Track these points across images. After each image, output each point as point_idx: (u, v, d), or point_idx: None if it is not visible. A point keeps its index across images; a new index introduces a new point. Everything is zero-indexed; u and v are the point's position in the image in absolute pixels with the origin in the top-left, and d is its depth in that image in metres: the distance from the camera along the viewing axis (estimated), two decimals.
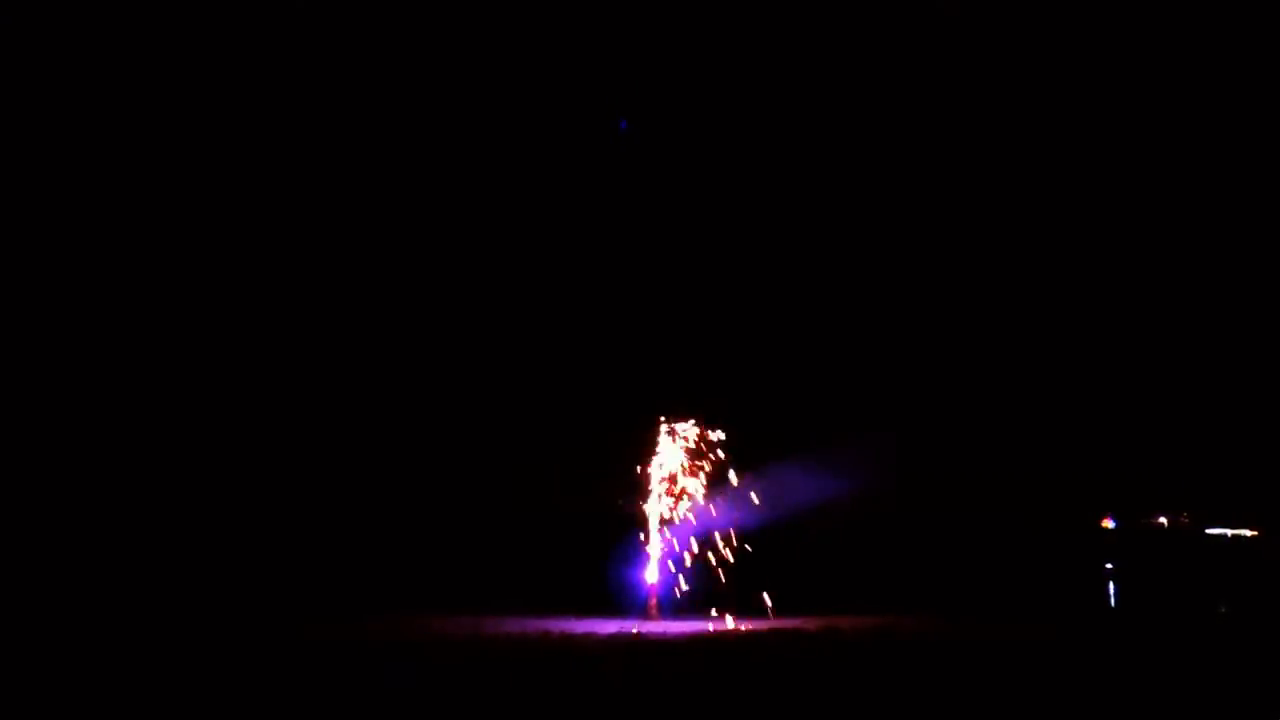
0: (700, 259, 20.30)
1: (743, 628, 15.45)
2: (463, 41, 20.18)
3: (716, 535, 17.30)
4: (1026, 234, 20.70)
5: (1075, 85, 20.16)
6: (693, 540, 17.28)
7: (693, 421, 17.55)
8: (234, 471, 19.33)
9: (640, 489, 17.39)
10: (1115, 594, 18.08)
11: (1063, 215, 20.67)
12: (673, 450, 17.50)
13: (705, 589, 17.10)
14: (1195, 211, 20.28)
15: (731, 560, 17.15)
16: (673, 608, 17.10)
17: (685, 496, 17.39)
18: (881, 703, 9.32)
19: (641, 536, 17.33)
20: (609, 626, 15.29)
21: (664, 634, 14.66)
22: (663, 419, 17.58)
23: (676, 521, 17.29)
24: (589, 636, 13.98)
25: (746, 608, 16.73)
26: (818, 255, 20.70)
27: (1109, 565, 18.32)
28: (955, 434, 19.36)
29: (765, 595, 16.75)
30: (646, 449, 17.50)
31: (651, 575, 17.13)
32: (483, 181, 20.76)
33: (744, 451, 17.54)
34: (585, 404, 19.43)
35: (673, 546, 17.26)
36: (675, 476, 17.40)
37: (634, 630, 14.98)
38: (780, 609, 16.70)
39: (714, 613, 16.44)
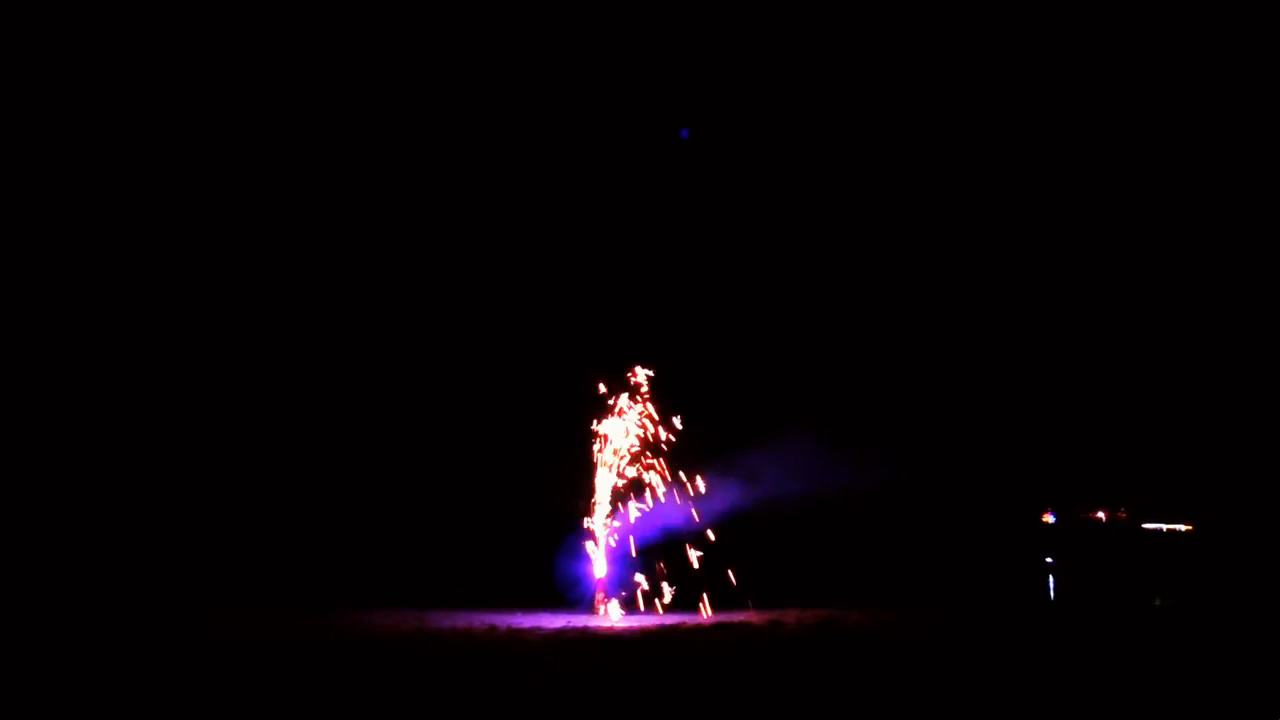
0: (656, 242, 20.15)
1: (687, 622, 15.41)
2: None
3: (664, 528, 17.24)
4: (965, 238, 20.91)
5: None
6: (639, 535, 17.18)
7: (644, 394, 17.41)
8: (159, 460, 18.78)
9: (589, 470, 17.17)
10: (1054, 587, 18.40)
11: (998, 219, 20.91)
12: (622, 427, 17.31)
13: (654, 582, 17.03)
14: (1132, 217, 20.65)
15: (682, 553, 17.10)
16: (623, 601, 16.98)
17: (639, 476, 17.21)
18: (825, 694, 9.33)
19: (588, 526, 17.16)
20: (556, 621, 15.18)
21: (611, 629, 14.60)
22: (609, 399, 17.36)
23: (625, 510, 17.13)
24: (535, 631, 13.89)
25: (693, 601, 16.72)
26: (763, 248, 20.67)
27: (1049, 559, 18.63)
28: (899, 429, 19.51)
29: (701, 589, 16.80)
30: (595, 422, 17.28)
31: (600, 568, 17.00)
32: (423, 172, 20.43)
33: (695, 441, 17.52)
34: (528, 380, 19.07)
35: (621, 539, 17.12)
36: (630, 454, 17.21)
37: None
38: (725, 603, 16.69)
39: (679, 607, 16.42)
